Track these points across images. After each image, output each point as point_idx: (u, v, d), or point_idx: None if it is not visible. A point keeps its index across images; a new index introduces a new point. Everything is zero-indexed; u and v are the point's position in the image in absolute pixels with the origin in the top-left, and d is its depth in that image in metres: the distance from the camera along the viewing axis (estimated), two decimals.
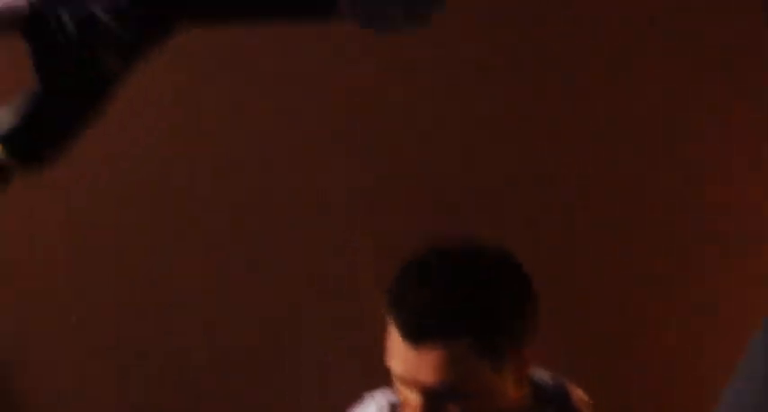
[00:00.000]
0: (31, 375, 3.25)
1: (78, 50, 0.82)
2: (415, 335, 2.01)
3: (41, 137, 0.80)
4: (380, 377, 2.17)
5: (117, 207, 3.23)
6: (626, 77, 3.26)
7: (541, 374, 2.21)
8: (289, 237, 3.28)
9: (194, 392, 3.27)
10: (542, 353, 2.14)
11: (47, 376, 3.26)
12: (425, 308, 2.03)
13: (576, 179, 3.25)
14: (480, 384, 2.05)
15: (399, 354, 2.06)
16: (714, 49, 3.23)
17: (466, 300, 2.04)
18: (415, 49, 3.22)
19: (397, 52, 3.22)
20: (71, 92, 0.83)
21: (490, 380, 2.05)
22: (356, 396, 2.35)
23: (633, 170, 3.22)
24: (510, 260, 2.12)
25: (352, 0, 1.15)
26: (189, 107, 3.25)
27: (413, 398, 2.06)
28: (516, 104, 3.25)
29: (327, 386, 3.26)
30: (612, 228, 3.22)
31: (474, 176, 3.24)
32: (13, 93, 1.01)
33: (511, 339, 2.07)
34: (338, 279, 3.27)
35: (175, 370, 3.27)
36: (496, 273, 2.09)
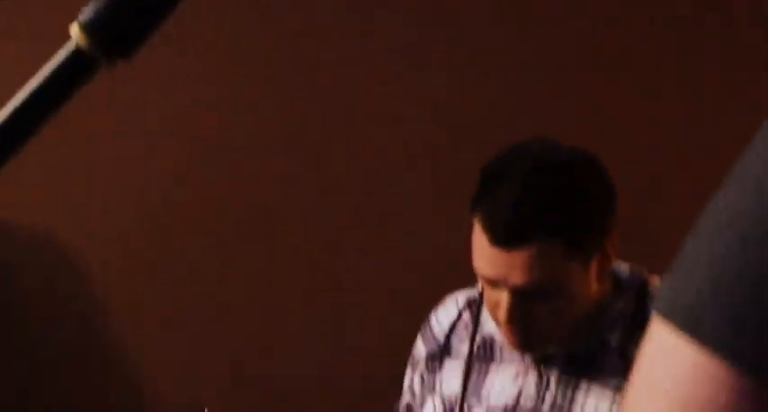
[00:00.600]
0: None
1: None
2: (506, 239, 2.03)
3: (126, 24, 0.78)
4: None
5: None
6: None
7: (619, 265, 2.24)
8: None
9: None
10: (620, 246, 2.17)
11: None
12: (514, 211, 2.04)
13: None
14: (568, 282, 2.08)
15: (487, 257, 2.08)
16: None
17: (551, 201, 2.06)
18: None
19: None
20: None
21: (577, 277, 2.09)
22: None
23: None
24: (589, 158, 2.14)
25: None
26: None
27: (501, 298, 2.09)
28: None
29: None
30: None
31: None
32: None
33: (597, 237, 2.10)
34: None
35: None
36: (580, 172, 2.10)
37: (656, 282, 2.24)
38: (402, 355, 2.42)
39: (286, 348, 3.34)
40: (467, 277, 2.28)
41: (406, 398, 2.40)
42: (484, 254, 2.09)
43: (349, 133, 3.30)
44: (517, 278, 2.06)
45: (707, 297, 0.62)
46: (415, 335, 2.38)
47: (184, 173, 3.31)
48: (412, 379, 2.38)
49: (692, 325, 0.62)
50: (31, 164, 3.12)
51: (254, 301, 3.33)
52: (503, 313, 2.10)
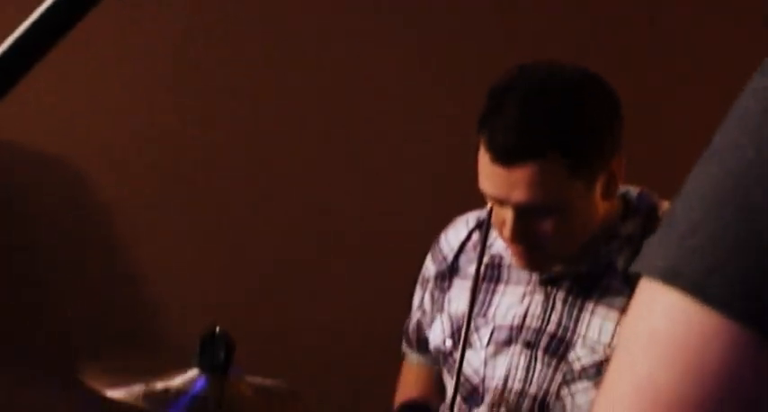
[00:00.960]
0: None
1: None
2: (506, 156, 2.03)
3: None
4: None
5: None
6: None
7: (629, 189, 2.25)
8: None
9: None
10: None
11: None
12: (515, 129, 2.05)
13: None
14: (571, 200, 2.09)
15: (490, 175, 2.10)
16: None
17: (554, 118, 2.06)
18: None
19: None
20: None
21: (581, 195, 2.10)
22: None
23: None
24: (594, 78, 2.14)
25: None
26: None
27: (507, 216, 2.11)
28: None
29: None
30: None
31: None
32: None
33: (600, 155, 2.10)
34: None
35: None
36: (582, 91, 2.11)
37: (666, 206, 2.25)
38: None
39: (298, 275, 3.35)
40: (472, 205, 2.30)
41: (416, 315, 2.43)
42: (487, 172, 2.10)
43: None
44: (519, 195, 2.07)
45: (716, 259, 0.62)
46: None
47: (190, 99, 3.31)
48: (422, 297, 2.41)
49: (700, 288, 0.62)
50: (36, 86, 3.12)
51: (268, 223, 3.35)
52: (507, 231, 2.12)
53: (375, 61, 3.30)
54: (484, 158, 2.09)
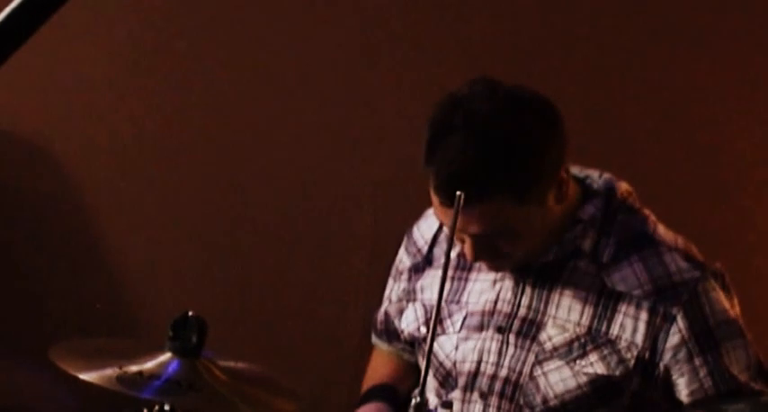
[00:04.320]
0: None
1: None
2: (451, 201, 2.00)
3: None
4: None
5: None
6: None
7: (588, 172, 2.27)
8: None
9: None
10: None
11: None
12: (459, 176, 2.06)
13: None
14: (525, 221, 2.12)
15: (442, 212, 2.13)
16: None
17: (496, 161, 2.06)
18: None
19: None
20: None
21: (533, 212, 2.13)
22: None
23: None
24: (528, 98, 2.11)
25: None
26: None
27: (464, 237, 2.14)
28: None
29: None
30: None
31: None
32: None
33: (547, 176, 2.12)
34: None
35: None
36: (521, 120, 2.09)
37: (624, 186, 2.28)
38: None
39: (276, 260, 3.36)
40: None
41: (386, 306, 2.45)
42: (439, 209, 2.13)
43: None
44: (474, 229, 2.11)
45: None
46: None
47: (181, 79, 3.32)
48: (392, 289, 2.44)
49: None
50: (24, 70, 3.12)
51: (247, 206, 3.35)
52: (467, 252, 2.16)
53: (351, 61, 3.30)
54: (434, 197, 2.12)
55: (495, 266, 2.22)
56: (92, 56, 3.28)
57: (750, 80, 3.21)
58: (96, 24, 3.28)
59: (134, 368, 2.01)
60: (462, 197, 1.84)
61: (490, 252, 2.16)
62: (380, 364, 2.47)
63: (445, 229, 2.34)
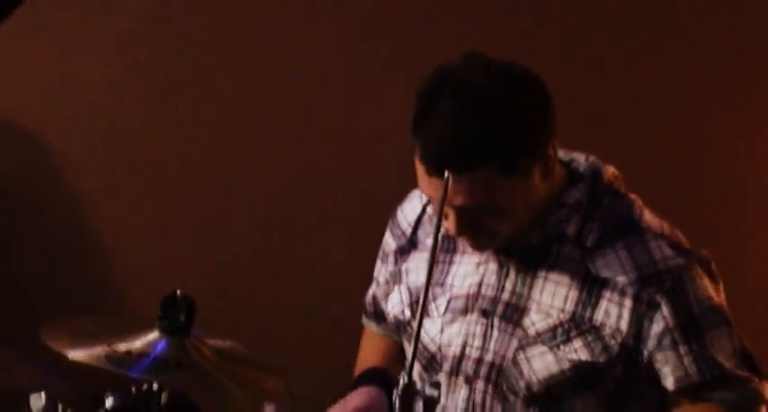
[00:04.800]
0: None
1: None
2: (441, 171, 2.01)
3: None
4: None
5: None
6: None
7: (574, 155, 2.27)
8: None
9: None
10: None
11: None
12: (447, 144, 2.05)
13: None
14: (509, 196, 2.11)
15: (428, 183, 2.11)
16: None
17: (484, 130, 2.05)
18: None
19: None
20: None
21: (519, 188, 2.12)
22: None
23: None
24: (520, 73, 2.12)
25: None
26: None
27: (448, 211, 2.13)
28: None
29: None
30: None
31: None
32: None
33: (534, 151, 2.11)
34: None
35: None
36: (511, 93, 2.09)
37: (610, 169, 2.28)
38: None
39: (258, 240, 3.37)
40: None
41: (374, 288, 2.46)
42: (424, 180, 2.12)
43: None
44: (459, 200, 2.09)
45: None
46: None
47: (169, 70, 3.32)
48: (380, 271, 2.44)
49: None
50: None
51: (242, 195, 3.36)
52: (451, 226, 2.15)
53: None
54: (420, 167, 2.11)
55: (477, 245, 2.21)
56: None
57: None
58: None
59: (123, 346, 2.02)
60: (450, 177, 1.85)
61: (474, 227, 2.14)
62: (371, 346, 2.48)
63: (429, 211, 2.34)
